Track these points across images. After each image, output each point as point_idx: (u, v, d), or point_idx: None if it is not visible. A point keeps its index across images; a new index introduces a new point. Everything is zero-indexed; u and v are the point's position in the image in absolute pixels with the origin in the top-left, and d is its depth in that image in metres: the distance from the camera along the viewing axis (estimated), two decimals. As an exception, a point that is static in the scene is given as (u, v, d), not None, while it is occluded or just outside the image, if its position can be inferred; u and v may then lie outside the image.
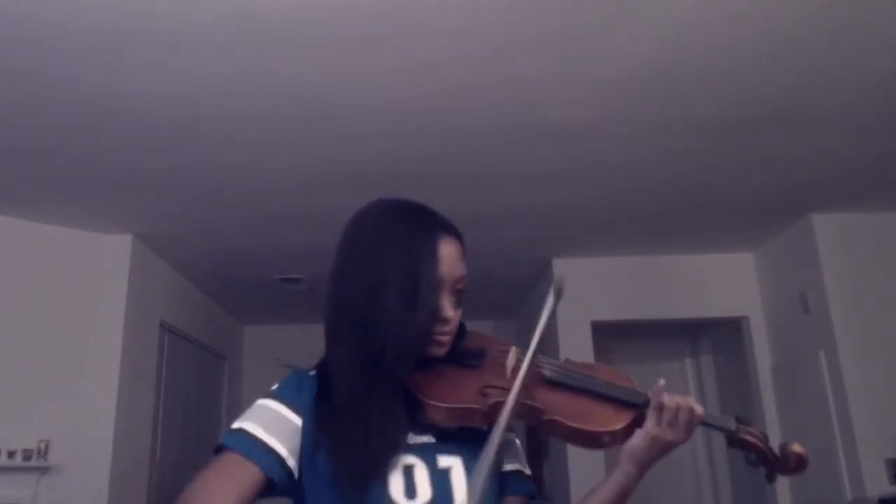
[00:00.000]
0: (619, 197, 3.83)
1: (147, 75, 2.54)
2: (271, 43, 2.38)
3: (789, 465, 1.04)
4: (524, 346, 1.05)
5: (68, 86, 2.59)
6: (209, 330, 5.67)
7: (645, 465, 1.02)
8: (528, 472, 1.13)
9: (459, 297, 1.07)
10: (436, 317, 1.02)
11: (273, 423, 1.00)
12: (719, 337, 5.32)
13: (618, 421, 1.03)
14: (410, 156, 3.25)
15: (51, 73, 2.51)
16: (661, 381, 1.02)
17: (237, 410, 6.99)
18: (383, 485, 0.96)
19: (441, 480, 1.00)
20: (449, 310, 1.04)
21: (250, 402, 1.05)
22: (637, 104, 2.84)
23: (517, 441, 1.14)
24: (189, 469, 4.75)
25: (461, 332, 1.10)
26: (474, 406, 1.01)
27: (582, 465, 4.25)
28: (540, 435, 1.06)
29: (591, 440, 1.03)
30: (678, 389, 5.14)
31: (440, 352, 1.05)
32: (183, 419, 5.09)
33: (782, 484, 4.36)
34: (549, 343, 4.85)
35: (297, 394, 1.03)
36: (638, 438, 1.01)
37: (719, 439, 4.82)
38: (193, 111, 2.80)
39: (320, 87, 2.66)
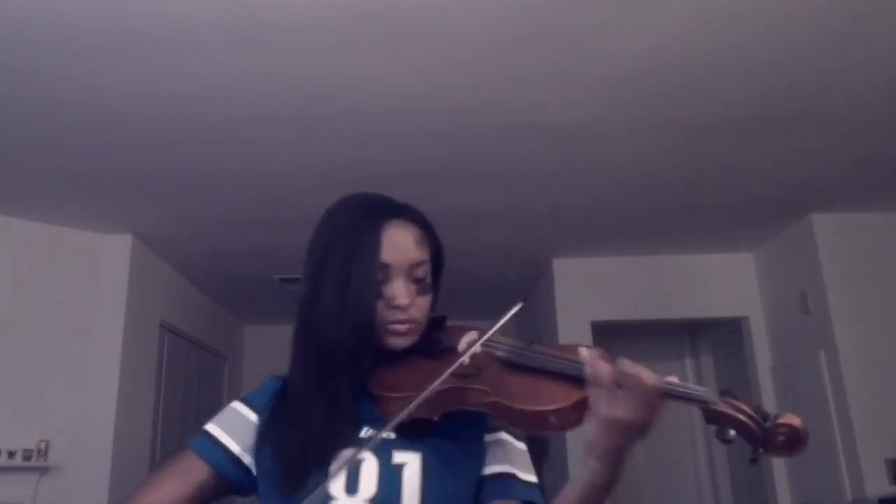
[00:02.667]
0: (619, 197, 3.83)
1: (147, 76, 2.54)
2: (271, 44, 2.38)
3: (776, 439, 0.81)
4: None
5: (68, 86, 2.59)
6: (209, 330, 5.67)
7: (606, 456, 0.84)
8: (525, 476, 1.01)
9: (423, 285, 1.02)
10: (372, 303, 0.97)
11: (232, 423, 1.03)
12: (719, 337, 5.32)
13: (564, 398, 0.88)
14: (411, 156, 3.25)
15: (51, 73, 2.51)
16: (584, 351, 0.89)
17: (237, 410, 7.02)
18: (321, 479, 0.92)
19: (391, 476, 0.94)
20: (402, 297, 0.98)
21: None
22: (637, 104, 2.84)
23: (515, 444, 1.04)
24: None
25: (438, 324, 1.05)
26: (415, 394, 0.92)
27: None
28: (493, 420, 0.98)
29: (536, 421, 0.90)
30: (678, 389, 5.11)
31: (399, 342, 1.00)
32: (183, 419, 5.08)
33: (782, 484, 4.36)
34: (548, 343, 4.86)
35: (261, 394, 1.06)
36: (592, 428, 0.85)
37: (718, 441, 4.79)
38: (194, 111, 2.80)
39: (320, 87, 2.66)
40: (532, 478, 1.02)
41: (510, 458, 1.01)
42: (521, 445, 1.05)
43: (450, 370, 0.90)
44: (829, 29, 2.38)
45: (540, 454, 5.31)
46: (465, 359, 0.96)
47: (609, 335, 4.88)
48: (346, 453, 0.94)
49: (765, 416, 0.83)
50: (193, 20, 2.23)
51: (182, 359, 5.08)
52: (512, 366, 0.96)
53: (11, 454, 3.63)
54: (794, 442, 0.81)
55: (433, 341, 1.03)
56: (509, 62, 2.52)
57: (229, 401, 1.09)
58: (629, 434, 0.83)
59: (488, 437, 1.03)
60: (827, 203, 3.96)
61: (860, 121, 3.03)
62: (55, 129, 2.91)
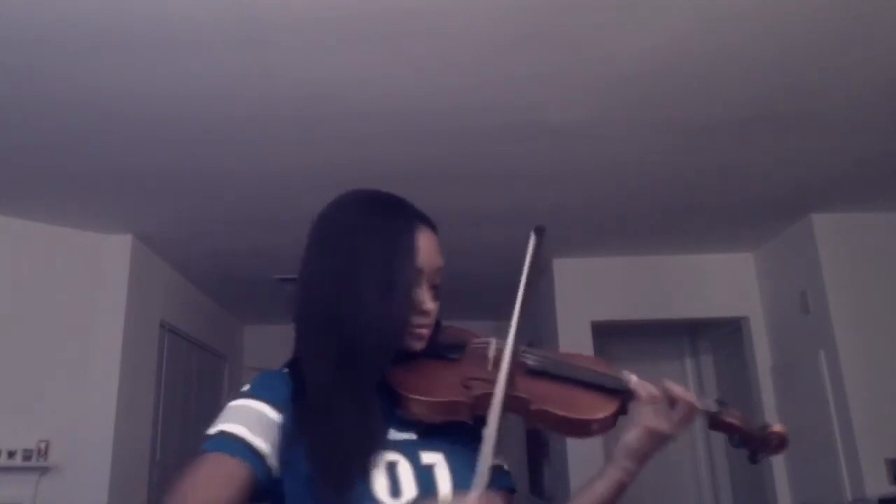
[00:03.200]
0: (619, 197, 3.83)
1: (147, 76, 2.54)
2: (271, 44, 2.38)
3: (771, 444, 1.04)
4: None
5: (68, 86, 2.59)
6: (209, 330, 5.67)
7: (643, 459, 1.00)
8: (507, 467, 1.10)
9: (437, 291, 1.05)
10: (414, 309, 0.99)
11: (253, 420, 0.94)
12: (719, 337, 5.32)
13: (605, 408, 1.01)
14: (410, 156, 3.25)
15: (51, 73, 2.51)
16: (634, 378, 1.02)
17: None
18: (367, 484, 0.92)
19: (425, 477, 0.97)
20: (429, 302, 1.02)
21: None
22: (637, 104, 2.84)
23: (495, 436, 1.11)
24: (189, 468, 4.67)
25: (437, 325, 1.07)
26: (459, 399, 0.98)
27: (582, 465, 4.25)
28: (527, 425, 1.05)
29: (579, 428, 1.01)
30: (678, 389, 5.05)
31: (419, 345, 1.02)
32: (183, 419, 5.09)
33: (782, 484, 4.36)
34: (548, 343, 4.86)
35: (274, 391, 0.98)
36: (633, 433, 0.99)
37: (719, 440, 4.82)
38: (194, 111, 2.80)
39: (320, 87, 2.66)
40: (508, 465, 1.11)
41: (499, 451, 1.06)
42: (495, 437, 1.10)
43: (502, 375, 0.93)
44: (829, 29, 2.38)
45: (540, 455, 5.31)
46: (507, 363, 0.96)
47: (609, 335, 4.89)
48: (385, 456, 0.95)
49: (760, 426, 1.05)
50: (193, 20, 2.23)
51: (182, 359, 5.08)
52: (540, 374, 1.04)
53: (11, 454, 3.63)
54: (783, 445, 1.04)
55: (451, 344, 1.07)
56: (509, 62, 2.52)
57: (229, 400, 1.01)
58: (663, 442, 0.99)
59: (486, 432, 1.04)
60: (827, 203, 3.96)
61: (860, 121, 3.03)
62: (55, 129, 2.92)
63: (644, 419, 0.99)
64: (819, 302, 4.05)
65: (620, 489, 1.01)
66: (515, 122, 2.96)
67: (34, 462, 3.67)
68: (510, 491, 1.08)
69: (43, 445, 3.70)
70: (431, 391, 0.98)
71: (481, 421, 0.96)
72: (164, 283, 4.71)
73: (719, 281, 4.75)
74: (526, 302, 1.01)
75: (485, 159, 3.32)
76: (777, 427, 1.05)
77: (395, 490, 0.94)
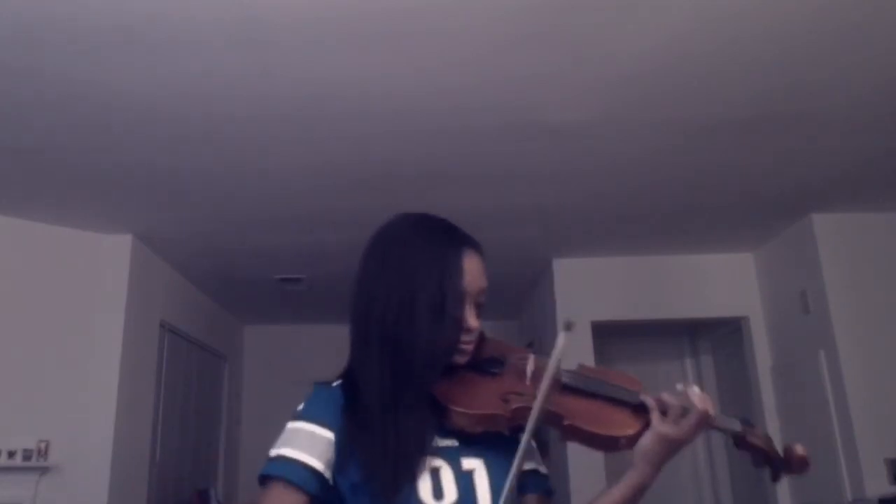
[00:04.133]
0: (619, 197, 3.83)
1: (147, 75, 2.54)
2: (271, 43, 2.38)
3: (793, 466, 1.09)
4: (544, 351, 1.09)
5: (68, 86, 2.59)
6: (209, 330, 5.67)
7: (658, 463, 1.07)
8: (544, 470, 1.19)
9: (480, 308, 1.13)
10: (461, 327, 1.08)
11: (307, 442, 1.05)
12: (719, 337, 5.32)
13: (633, 425, 1.07)
14: (411, 156, 3.25)
15: (51, 72, 2.51)
16: (679, 385, 1.09)
17: (237, 410, 6.98)
18: (413, 486, 1.02)
19: (465, 482, 1.06)
20: (473, 320, 1.11)
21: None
22: (637, 104, 2.84)
23: (532, 443, 1.17)
24: (189, 469, 4.74)
25: (480, 339, 1.15)
26: (498, 412, 1.06)
27: (582, 465, 4.25)
28: (560, 439, 1.11)
29: (608, 443, 1.08)
30: (678, 389, 5.04)
31: (463, 359, 1.11)
32: (183, 419, 5.09)
33: (782, 483, 4.36)
34: (548, 343, 4.86)
35: (325, 410, 1.07)
36: (648, 440, 1.06)
37: (718, 439, 4.80)
38: (194, 111, 2.80)
39: (320, 87, 2.66)
40: (545, 469, 1.20)
41: (535, 457, 1.18)
42: (534, 443, 1.17)
43: (542, 392, 0.98)
44: (829, 29, 2.38)
45: (541, 454, 5.31)
46: (548, 381, 1.02)
47: (609, 335, 4.89)
48: (429, 461, 1.04)
49: (770, 440, 1.12)
50: (193, 20, 2.23)
51: (182, 359, 5.08)
52: (573, 391, 1.11)
53: (11, 454, 3.63)
54: (804, 466, 1.09)
55: (484, 359, 1.14)
56: (509, 62, 2.52)
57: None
58: (680, 448, 1.07)
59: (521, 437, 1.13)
60: (827, 203, 3.96)
61: (860, 121, 3.03)
62: (55, 129, 2.92)
63: (663, 428, 1.05)
64: (819, 302, 4.05)
65: (638, 491, 1.08)
66: (515, 122, 2.96)
67: (34, 462, 3.67)
68: (547, 493, 1.18)
69: (43, 445, 3.70)
70: (473, 404, 1.07)
71: (518, 431, 1.03)
72: (164, 283, 4.71)
73: (719, 281, 4.75)
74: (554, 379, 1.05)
75: (485, 159, 3.32)
76: (800, 449, 1.10)
77: (438, 493, 1.03)
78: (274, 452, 1.05)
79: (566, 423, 1.07)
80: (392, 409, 1.04)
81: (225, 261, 4.81)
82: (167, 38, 2.33)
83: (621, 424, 1.08)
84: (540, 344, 5.09)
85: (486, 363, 1.14)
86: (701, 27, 2.35)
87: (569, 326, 1.01)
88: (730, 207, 4.00)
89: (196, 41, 2.35)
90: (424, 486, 1.03)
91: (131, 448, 4.10)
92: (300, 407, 1.09)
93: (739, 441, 1.11)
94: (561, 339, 1.01)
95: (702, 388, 4.97)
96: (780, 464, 1.10)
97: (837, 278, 4.00)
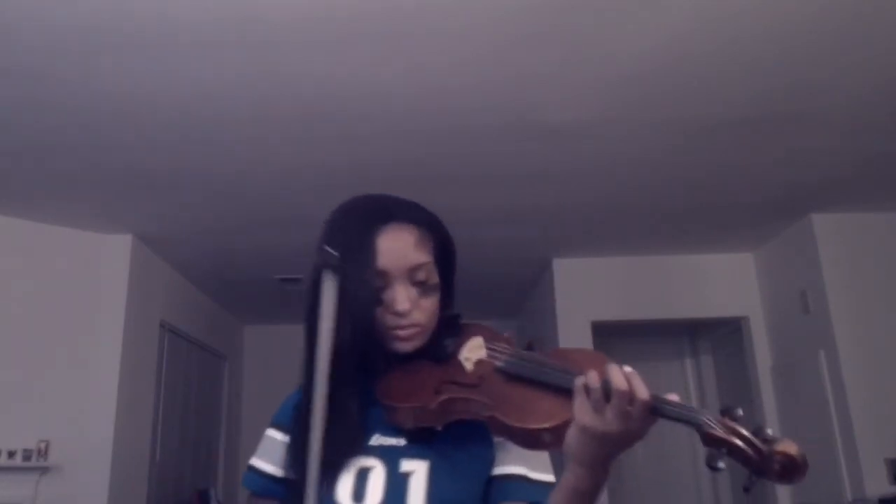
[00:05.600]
0: (619, 197, 3.83)
1: (148, 75, 2.54)
2: (272, 43, 2.38)
3: (772, 468, 0.77)
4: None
5: (68, 87, 2.59)
6: (209, 330, 5.67)
7: (589, 462, 0.83)
8: (537, 476, 0.98)
9: (425, 287, 1.00)
10: (369, 310, 0.96)
11: (269, 449, 1.06)
12: (719, 337, 5.32)
13: (560, 414, 0.85)
14: (411, 156, 3.25)
15: (51, 73, 2.51)
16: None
17: (237, 410, 6.97)
18: (331, 488, 0.95)
19: (397, 485, 0.95)
20: (403, 302, 0.97)
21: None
22: (637, 104, 2.84)
23: None
24: (189, 469, 4.73)
25: (453, 325, 1.03)
26: (420, 405, 0.94)
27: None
28: (493, 434, 0.96)
29: (529, 439, 0.88)
30: (678, 389, 5.07)
31: (406, 347, 0.99)
32: (183, 419, 5.09)
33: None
34: (548, 343, 4.86)
35: (284, 414, 1.07)
36: (570, 434, 0.84)
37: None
38: (193, 111, 2.80)
39: (320, 87, 2.66)
40: (546, 476, 0.99)
41: (524, 457, 0.98)
42: None
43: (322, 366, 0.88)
44: (828, 29, 2.38)
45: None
46: (468, 366, 0.96)
47: (609, 335, 4.88)
48: (357, 460, 0.96)
49: (764, 440, 0.79)
50: (194, 21, 2.23)
51: (182, 359, 5.08)
52: (512, 377, 0.93)
53: (11, 454, 3.63)
54: (791, 471, 0.77)
55: (440, 345, 1.01)
56: (509, 62, 2.52)
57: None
58: (613, 445, 0.82)
59: (499, 437, 0.99)
60: (827, 203, 3.96)
61: (860, 121, 3.03)
62: (55, 129, 2.92)
63: (579, 416, 0.82)
64: (819, 302, 4.05)
65: (577, 496, 0.85)
66: (515, 122, 2.96)
67: (34, 462, 3.67)
68: None
69: (43, 445, 3.70)
70: (404, 397, 0.96)
71: (469, 426, 0.93)
72: (164, 283, 4.71)
73: (719, 281, 4.75)
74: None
75: (485, 159, 3.32)
76: (785, 445, 0.77)
77: (359, 494, 0.95)
78: (250, 461, 1.07)
79: (486, 414, 0.90)
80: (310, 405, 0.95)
81: (225, 261, 4.81)
82: (167, 38, 2.33)
83: (545, 415, 0.85)
84: (541, 344, 5.08)
85: (437, 350, 1.00)
86: (701, 27, 2.35)
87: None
88: (730, 207, 4.00)
89: (196, 41, 2.35)
90: (344, 487, 0.95)
91: (131, 448, 4.10)
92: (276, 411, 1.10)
93: (702, 435, 0.80)
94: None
95: (702, 388, 4.96)
96: (759, 464, 0.78)
97: (837, 278, 4.00)
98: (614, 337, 5.05)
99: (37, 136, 2.98)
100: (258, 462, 1.06)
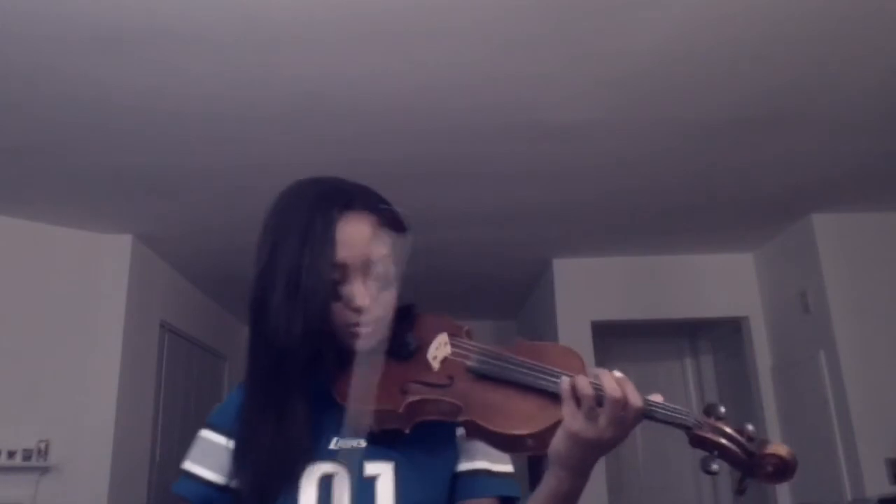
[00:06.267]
0: (618, 197, 3.83)
1: (148, 74, 2.54)
2: (272, 43, 2.38)
3: (764, 469, 0.79)
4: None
5: (68, 85, 2.59)
6: (209, 330, 5.67)
7: (575, 467, 0.81)
8: (498, 468, 0.96)
9: (385, 281, 0.92)
10: (324, 305, 0.88)
11: (206, 453, 0.97)
12: (719, 337, 5.32)
13: (542, 419, 0.82)
14: (410, 155, 3.25)
15: (51, 72, 2.51)
16: (593, 370, 0.83)
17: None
18: (293, 499, 0.88)
19: (364, 490, 0.89)
20: (361, 297, 0.90)
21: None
22: (637, 104, 2.84)
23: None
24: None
25: (408, 317, 0.97)
26: (390, 407, 0.87)
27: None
28: (468, 437, 0.90)
29: (512, 445, 0.84)
30: (678, 389, 5.07)
31: (363, 344, 0.91)
32: (183, 419, 5.08)
33: (782, 484, 4.36)
34: (530, 344, 4.85)
35: (225, 414, 0.98)
36: (558, 439, 0.81)
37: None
38: (193, 111, 2.80)
39: (320, 86, 2.66)
40: (506, 467, 0.96)
41: (485, 451, 0.94)
42: None
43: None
44: (829, 29, 2.38)
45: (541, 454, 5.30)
46: (435, 365, 0.91)
47: (609, 335, 4.89)
48: (317, 467, 0.89)
49: (750, 439, 0.80)
50: (193, 19, 2.23)
51: (182, 359, 5.08)
52: (484, 377, 0.88)
53: (11, 454, 3.63)
54: (783, 472, 0.79)
55: (402, 341, 0.94)
56: (509, 62, 2.52)
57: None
58: (600, 449, 0.81)
59: (460, 432, 0.95)
60: (827, 203, 3.96)
61: (860, 121, 3.03)
62: (55, 128, 2.92)
63: (570, 422, 0.80)
64: (819, 302, 4.05)
65: (558, 497, 0.84)
66: (515, 122, 2.96)
67: (34, 462, 3.67)
68: (501, 498, 0.95)
69: (43, 445, 3.70)
70: (363, 398, 0.88)
71: (434, 427, 0.88)
72: (164, 283, 4.71)
73: (719, 281, 4.75)
74: None
75: (484, 159, 3.32)
76: (774, 447, 0.79)
77: (324, 503, 0.88)
78: (182, 464, 0.98)
79: (462, 418, 0.85)
80: (262, 409, 0.90)
81: (225, 261, 4.80)
82: (168, 37, 2.33)
83: (527, 419, 0.82)
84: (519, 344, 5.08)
85: (398, 347, 0.93)
86: (701, 27, 2.35)
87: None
88: (730, 207, 4.00)
89: (196, 41, 2.35)
90: (307, 497, 0.88)
91: (131, 448, 4.10)
92: (211, 411, 1.02)
93: (691, 437, 0.81)
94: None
95: (702, 388, 4.95)
96: (748, 465, 0.79)
97: (837, 278, 4.00)
98: (614, 337, 5.05)
99: (36, 136, 2.98)
100: (194, 467, 0.96)
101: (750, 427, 0.81)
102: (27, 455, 3.66)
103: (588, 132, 3.06)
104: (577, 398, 0.79)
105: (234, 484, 0.92)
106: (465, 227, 4.07)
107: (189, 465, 0.97)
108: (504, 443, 0.84)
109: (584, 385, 0.79)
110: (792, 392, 4.36)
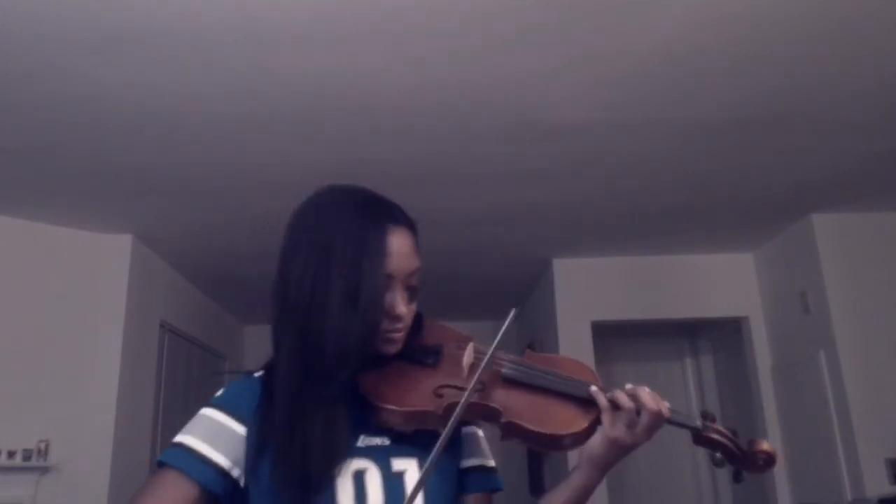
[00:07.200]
0: (619, 196, 3.83)
1: (147, 74, 2.54)
2: (271, 42, 2.38)
3: (757, 462, 1.01)
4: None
5: (68, 85, 2.59)
6: (209, 330, 5.67)
7: (606, 467, 0.99)
8: (490, 464, 1.09)
9: (413, 292, 1.01)
10: (381, 315, 0.96)
11: (214, 434, 0.95)
12: (719, 337, 5.32)
13: (579, 421, 0.97)
14: (410, 155, 3.25)
15: (50, 72, 2.51)
16: (628, 386, 0.99)
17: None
18: (331, 492, 0.92)
19: (394, 485, 0.96)
20: (401, 306, 0.98)
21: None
22: (637, 104, 2.84)
23: (479, 433, 1.11)
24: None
25: (418, 325, 1.05)
26: (429, 409, 0.96)
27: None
28: (500, 437, 1.00)
29: (551, 443, 0.97)
30: (678, 389, 5.07)
31: (393, 349, 1.00)
32: (183, 419, 5.06)
33: (782, 484, 4.36)
34: (549, 343, 4.86)
35: (240, 400, 0.99)
36: (597, 443, 0.97)
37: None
38: (193, 110, 2.80)
39: (320, 86, 2.66)
40: (492, 462, 1.10)
41: (482, 450, 1.09)
42: (481, 433, 1.12)
43: (471, 385, 0.92)
44: (829, 29, 2.38)
45: (540, 455, 5.31)
46: (466, 371, 0.99)
47: (609, 335, 4.89)
48: (351, 463, 0.95)
49: (738, 437, 1.01)
50: (193, 19, 2.23)
51: (182, 359, 5.08)
52: (516, 383, 1.00)
53: (11, 454, 3.63)
54: (770, 464, 1.01)
55: (428, 348, 1.03)
56: (509, 62, 2.52)
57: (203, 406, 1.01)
58: (630, 451, 0.97)
59: (464, 430, 1.09)
60: (827, 203, 3.96)
61: (860, 121, 3.03)
62: (55, 128, 2.91)
63: (614, 431, 0.96)
64: (819, 302, 4.05)
65: (584, 494, 1.00)
66: (515, 122, 2.96)
67: (34, 462, 3.67)
68: (491, 490, 1.09)
69: (43, 445, 3.70)
70: (402, 400, 0.96)
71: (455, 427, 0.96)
72: (164, 283, 4.71)
73: (719, 281, 4.75)
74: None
75: (484, 158, 3.32)
76: (765, 444, 1.00)
77: (361, 498, 0.94)
78: (177, 438, 0.95)
79: (504, 420, 0.96)
80: (304, 406, 0.94)
81: (225, 261, 4.81)
82: (167, 37, 2.33)
83: (566, 422, 0.96)
84: (540, 345, 5.09)
85: (421, 352, 1.02)
86: (701, 27, 2.35)
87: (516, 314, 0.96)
88: (730, 207, 4.00)
89: (196, 41, 2.35)
90: (345, 492, 0.93)
91: (131, 448, 4.10)
92: (218, 393, 1.01)
93: (698, 437, 1.01)
94: (509, 319, 0.94)
95: (702, 388, 4.97)
96: (743, 461, 1.00)
97: (837, 278, 4.00)
98: (614, 337, 5.05)
99: (36, 136, 2.98)
100: (201, 445, 0.94)
101: (735, 430, 1.02)
102: (27, 455, 3.66)
103: (588, 132, 3.06)
104: (616, 409, 0.96)
105: (235, 472, 0.94)
106: (465, 227, 4.07)
107: (191, 441, 0.94)
108: (545, 442, 0.97)
109: (625, 399, 0.96)
110: (792, 392, 4.36)
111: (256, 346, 6.71)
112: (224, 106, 2.77)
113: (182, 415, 5.06)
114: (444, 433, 0.87)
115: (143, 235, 4.22)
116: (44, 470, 3.70)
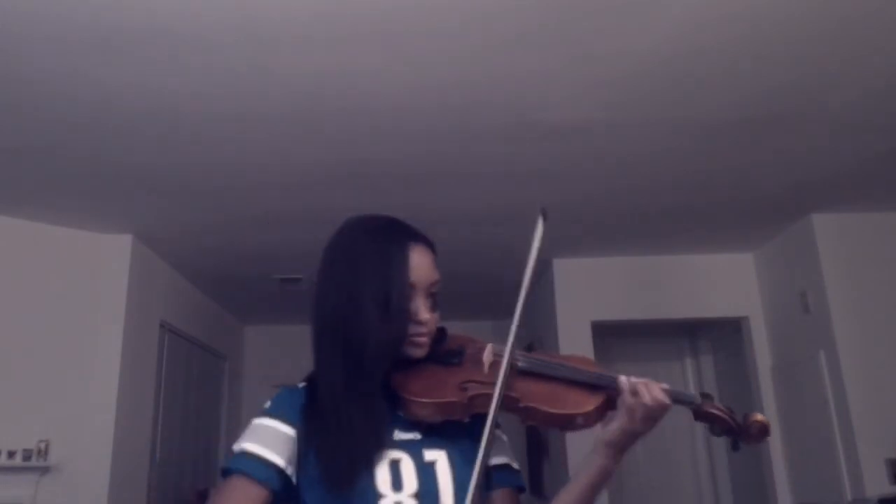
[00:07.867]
0: (619, 196, 3.83)
1: (147, 74, 2.54)
2: (271, 42, 2.38)
3: (752, 433, 1.12)
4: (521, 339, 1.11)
5: (68, 85, 2.59)
6: (209, 330, 5.67)
7: (622, 451, 1.11)
8: (516, 465, 1.21)
9: (435, 301, 1.17)
10: (409, 319, 1.11)
11: (270, 438, 1.09)
12: (719, 337, 5.32)
13: (589, 403, 1.11)
14: (410, 155, 3.25)
15: (50, 72, 2.51)
16: (631, 378, 1.12)
17: (237, 410, 6.97)
18: (370, 478, 1.05)
19: (427, 472, 1.09)
20: (424, 312, 1.13)
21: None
22: (637, 104, 2.84)
23: (504, 437, 1.23)
24: (189, 469, 4.72)
25: (442, 335, 1.19)
26: (455, 399, 1.10)
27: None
28: (521, 421, 1.13)
29: (565, 422, 1.12)
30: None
31: (419, 352, 1.14)
32: (183, 419, 5.09)
33: (782, 484, 4.37)
34: (549, 343, 4.86)
35: (289, 407, 1.12)
36: (615, 430, 1.09)
37: (719, 442, 4.79)
38: (193, 110, 2.80)
39: (320, 86, 2.66)
40: (518, 465, 1.22)
41: (506, 451, 1.21)
42: (506, 437, 1.24)
43: (500, 378, 1.06)
44: (829, 29, 2.38)
45: (540, 455, 5.31)
46: (487, 368, 1.13)
47: (609, 335, 4.89)
48: (388, 454, 1.08)
49: (734, 413, 1.13)
50: (193, 19, 2.23)
51: (182, 359, 5.08)
52: (530, 374, 1.14)
53: (11, 454, 3.63)
54: (763, 433, 1.12)
55: (452, 351, 1.18)
56: (509, 61, 2.52)
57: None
58: (640, 437, 1.10)
59: (531, 424, 1.18)
60: (827, 203, 3.96)
61: (860, 121, 3.03)
62: (54, 129, 2.91)
63: (633, 416, 1.08)
64: (819, 302, 4.05)
65: (605, 475, 1.11)
66: (515, 122, 2.96)
67: (34, 462, 3.67)
68: (518, 489, 1.20)
69: (43, 445, 3.70)
70: (431, 394, 1.10)
71: (478, 420, 1.08)
72: (164, 283, 4.71)
73: (719, 281, 4.75)
74: (530, 291, 1.16)
75: (484, 158, 3.32)
76: (759, 416, 1.12)
77: (397, 484, 1.06)
78: (237, 447, 1.09)
79: (522, 405, 1.10)
80: (345, 403, 1.08)
81: (225, 261, 4.81)
82: (167, 37, 2.33)
83: (577, 403, 1.11)
84: (540, 345, 5.09)
85: (445, 355, 1.17)
86: (701, 27, 2.35)
87: (545, 214, 1.11)
88: (730, 207, 4.00)
89: (196, 41, 2.35)
90: (382, 478, 1.06)
91: (131, 448, 4.10)
92: (266, 405, 1.14)
93: (698, 412, 1.14)
94: (539, 226, 1.15)
95: (702, 388, 4.98)
96: (739, 431, 1.12)
97: (837, 278, 4.00)
98: (614, 337, 5.05)
99: (36, 136, 2.98)
100: (260, 449, 1.08)
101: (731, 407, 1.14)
102: (27, 455, 3.66)
103: (588, 132, 3.06)
104: (634, 399, 1.08)
105: (289, 470, 1.08)
106: (464, 227, 4.07)
107: (252, 447, 1.08)
108: (559, 421, 1.12)
109: (639, 388, 1.09)
110: (792, 392, 4.36)
111: (256, 346, 6.72)
112: (224, 106, 2.77)
113: (182, 415, 5.10)
114: (489, 421, 1.03)
115: (143, 235, 4.22)
116: (44, 470, 3.70)
